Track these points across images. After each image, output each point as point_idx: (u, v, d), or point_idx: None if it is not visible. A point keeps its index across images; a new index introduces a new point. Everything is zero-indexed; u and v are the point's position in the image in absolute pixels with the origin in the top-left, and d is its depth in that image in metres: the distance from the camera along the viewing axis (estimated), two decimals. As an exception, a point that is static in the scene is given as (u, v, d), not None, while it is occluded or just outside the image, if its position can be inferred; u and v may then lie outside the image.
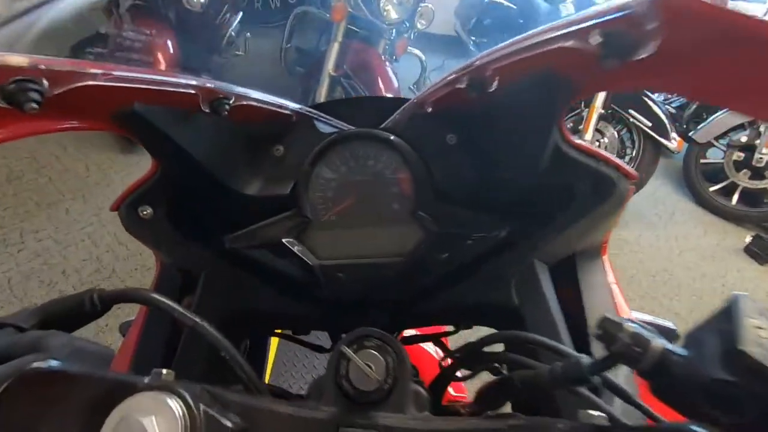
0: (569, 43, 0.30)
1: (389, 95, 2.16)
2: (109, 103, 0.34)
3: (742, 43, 0.23)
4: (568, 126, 2.88)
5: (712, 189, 3.21)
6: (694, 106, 3.49)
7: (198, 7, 2.38)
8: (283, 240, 0.47)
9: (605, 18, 0.28)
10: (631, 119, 2.71)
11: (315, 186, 0.49)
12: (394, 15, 2.40)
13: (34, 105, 0.27)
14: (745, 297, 0.24)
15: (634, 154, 2.76)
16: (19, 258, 1.96)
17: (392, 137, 0.48)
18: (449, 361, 0.49)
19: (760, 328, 0.22)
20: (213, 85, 0.39)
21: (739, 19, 0.22)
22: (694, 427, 0.23)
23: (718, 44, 0.25)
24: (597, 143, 2.82)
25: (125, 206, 0.45)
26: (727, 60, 0.25)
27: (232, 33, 2.91)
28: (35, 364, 0.26)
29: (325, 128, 0.53)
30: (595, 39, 0.29)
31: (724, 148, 3.18)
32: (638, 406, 0.30)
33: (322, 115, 0.53)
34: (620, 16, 0.27)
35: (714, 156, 3.24)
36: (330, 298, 0.49)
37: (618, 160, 0.44)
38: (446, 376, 0.48)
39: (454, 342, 0.58)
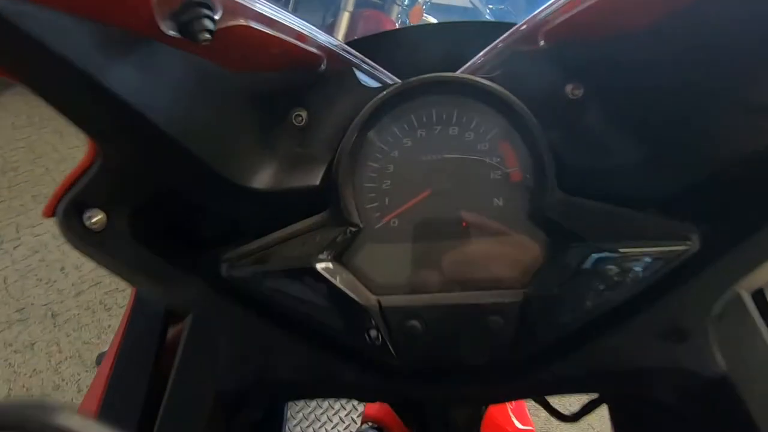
0: None
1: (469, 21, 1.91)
2: None
3: None
4: None
5: None
6: None
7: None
8: (316, 265, 0.29)
9: None
10: None
11: (364, 172, 0.31)
12: (408, -20, 2.18)
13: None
14: None
15: None
16: (15, 255, 1.84)
17: (492, 85, 0.30)
18: None
19: None
20: None
21: None
22: None
23: None
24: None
25: (62, 212, 0.28)
26: None
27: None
28: None
29: (370, 81, 0.35)
30: None
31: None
32: None
33: (366, 59, 0.35)
34: None
35: None
36: (399, 362, 0.31)
37: None
38: None
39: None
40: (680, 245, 0.27)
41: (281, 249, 0.31)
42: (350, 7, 2.22)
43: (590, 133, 0.31)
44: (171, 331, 0.38)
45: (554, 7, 0.30)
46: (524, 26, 0.31)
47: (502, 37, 0.33)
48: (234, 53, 0.26)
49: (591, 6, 0.27)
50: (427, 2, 2.43)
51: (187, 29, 0.21)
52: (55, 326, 1.66)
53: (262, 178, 0.31)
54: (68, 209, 0.29)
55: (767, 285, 0.31)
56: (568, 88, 0.32)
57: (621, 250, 0.27)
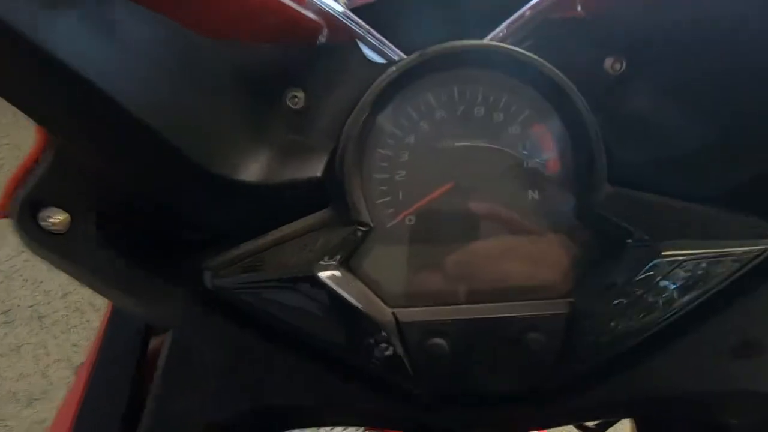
0: None
1: None
2: None
3: None
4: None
5: None
6: None
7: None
8: (318, 273, 0.24)
9: None
10: None
11: (374, 162, 0.26)
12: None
13: None
14: None
15: None
16: (0, 255, 1.78)
17: (528, 54, 0.25)
18: None
19: None
20: None
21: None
22: None
23: None
24: None
25: (17, 211, 0.24)
26: None
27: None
28: None
29: (376, 56, 0.30)
30: None
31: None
32: None
33: (372, 30, 0.30)
34: None
35: None
36: (421, 387, 0.26)
37: None
38: None
39: None
40: (756, 244, 0.23)
41: (276, 254, 0.26)
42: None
43: (637, 115, 0.27)
44: (153, 343, 0.33)
45: None
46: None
47: (531, 3, 0.28)
48: (208, 13, 0.21)
49: None
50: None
51: None
52: (42, 328, 1.61)
53: (252, 170, 0.26)
54: (23, 208, 0.24)
55: None
56: (608, 62, 0.27)
57: (689, 251, 0.23)
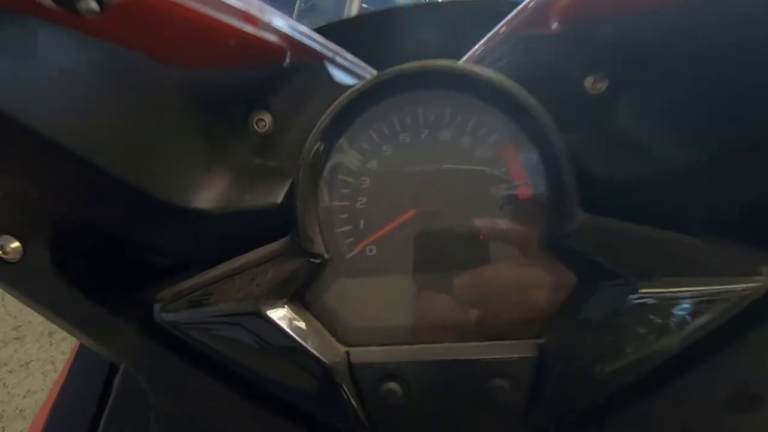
0: None
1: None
2: None
3: None
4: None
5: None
6: None
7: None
8: (264, 310, 0.23)
9: None
10: None
11: (333, 188, 0.25)
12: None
13: None
14: None
15: None
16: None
17: (496, 76, 0.23)
18: None
19: None
20: None
21: None
22: None
23: None
24: None
25: None
26: None
27: None
28: None
29: (343, 77, 0.29)
30: None
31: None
32: None
33: (342, 51, 0.29)
34: None
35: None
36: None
37: None
38: None
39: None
40: (748, 282, 0.20)
41: (225, 287, 0.24)
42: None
43: (620, 136, 0.25)
44: (115, 380, 0.32)
45: None
46: (532, 4, 0.25)
47: (506, 19, 0.27)
48: (155, 37, 0.21)
49: None
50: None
51: (74, 9, 0.15)
52: (51, 344, 1.62)
53: (210, 197, 0.25)
54: None
55: None
56: (588, 81, 0.25)
57: (668, 288, 0.21)
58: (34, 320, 1.69)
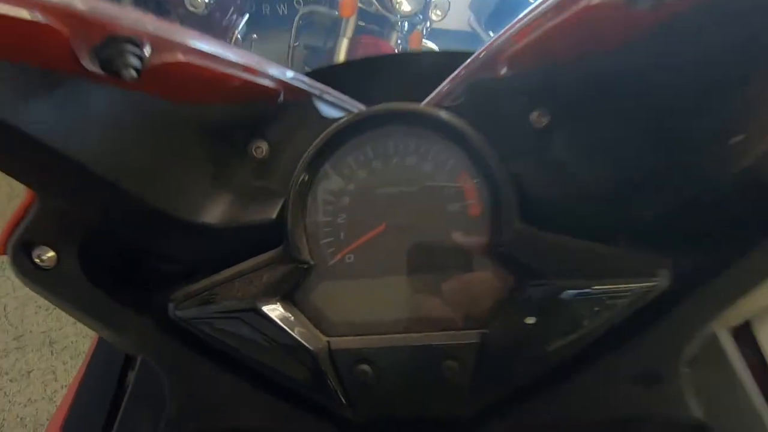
0: None
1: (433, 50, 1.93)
2: None
3: None
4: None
5: None
6: None
7: (202, 8, 2.24)
8: (260, 306, 0.28)
9: None
10: None
11: (317, 206, 0.30)
12: (406, 7, 2.25)
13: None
14: None
15: None
16: (16, 282, 1.83)
17: (447, 116, 0.29)
18: None
19: None
20: (96, 13, 0.20)
21: None
22: None
23: None
24: None
25: (12, 248, 0.28)
26: None
27: (238, 36, 2.79)
28: None
29: (330, 111, 0.34)
30: None
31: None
32: None
33: (327, 89, 0.34)
34: None
35: None
36: (351, 413, 0.29)
37: None
38: None
39: None
40: (648, 281, 0.26)
41: (227, 288, 0.29)
42: (349, 33, 2.28)
43: (558, 162, 0.30)
44: (131, 375, 0.36)
45: (514, 30, 0.29)
46: (484, 52, 0.31)
47: (463, 65, 0.33)
48: (176, 88, 0.26)
49: (553, 28, 0.26)
50: (427, 28, 2.48)
51: (111, 66, 0.20)
52: (52, 354, 1.65)
53: (216, 214, 0.30)
54: (17, 246, 0.28)
55: (755, 321, 0.29)
56: (533, 116, 0.30)
57: (584, 288, 0.26)
58: (35, 330, 1.71)
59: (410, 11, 2.25)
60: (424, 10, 2.33)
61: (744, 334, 0.29)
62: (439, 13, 2.39)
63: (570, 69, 0.28)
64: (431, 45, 2.51)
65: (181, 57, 0.23)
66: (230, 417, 0.29)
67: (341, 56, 2.22)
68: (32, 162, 0.23)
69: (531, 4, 0.28)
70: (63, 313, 1.42)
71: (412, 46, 2.45)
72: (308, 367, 0.28)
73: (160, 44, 0.22)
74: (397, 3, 2.22)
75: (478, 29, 3.89)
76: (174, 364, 0.30)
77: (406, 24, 2.37)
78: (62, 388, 1.56)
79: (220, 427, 0.29)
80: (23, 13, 0.18)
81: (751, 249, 0.25)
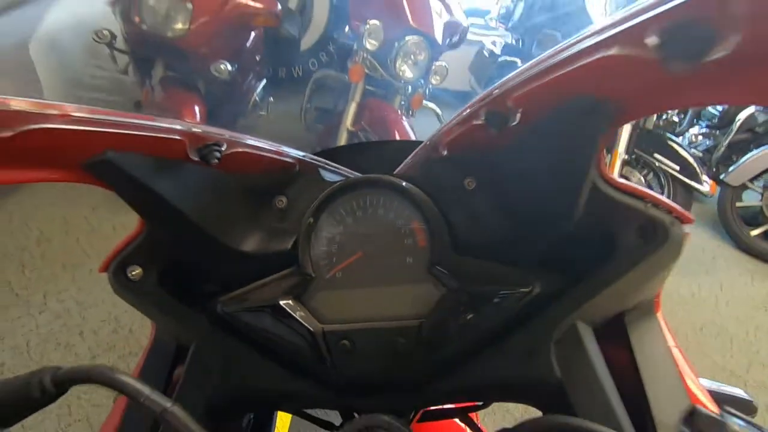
0: (614, 51, 0.26)
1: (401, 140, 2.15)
2: (77, 150, 0.31)
3: None
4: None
5: (753, 233, 3.03)
6: (723, 149, 3.40)
7: (225, 74, 2.51)
8: (280, 302, 0.42)
9: (665, 7, 0.23)
10: (657, 164, 2.63)
11: (318, 239, 0.44)
12: (409, 74, 2.49)
13: None
14: None
15: (664, 200, 2.64)
16: (39, 320, 1.97)
17: (404, 183, 0.44)
18: None
19: None
20: (201, 130, 0.36)
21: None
22: None
23: None
24: (623, 189, 2.73)
25: (113, 267, 0.42)
26: None
27: (257, 98, 3.07)
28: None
29: (330, 177, 0.49)
30: (653, 39, 0.24)
31: (760, 191, 3.04)
32: None
33: (328, 162, 0.50)
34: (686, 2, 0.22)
35: (750, 199, 3.10)
36: (336, 373, 0.42)
37: (669, 202, 0.38)
38: None
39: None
40: (528, 289, 0.39)
41: (258, 292, 0.43)
42: (358, 97, 2.52)
43: (479, 213, 0.44)
44: (178, 371, 0.49)
45: (448, 126, 0.44)
46: (431, 140, 0.46)
47: (420, 146, 0.48)
48: (236, 166, 0.41)
49: (462, 132, 0.42)
50: (429, 87, 2.72)
51: (205, 158, 0.36)
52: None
53: (251, 244, 0.45)
54: (117, 266, 0.42)
55: (632, 313, 0.42)
56: (466, 181, 0.45)
57: (489, 293, 0.39)
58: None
59: (412, 77, 2.50)
60: (424, 75, 2.57)
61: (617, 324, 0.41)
62: (438, 78, 2.63)
63: (483, 154, 0.43)
64: (432, 106, 2.76)
65: (240, 149, 0.39)
66: (253, 380, 0.42)
67: (349, 118, 2.45)
68: (155, 207, 0.38)
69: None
70: (81, 350, 1.59)
71: (414, 107, 2.69)
72: (309, 343, 0.41)
73: (230, 143, 0.38)
74: (400, 70, 2.47)
75: (478, 90, 4.21)
76: (218, 347, 0.43)
77: (409, 87, 2.62)
78: (76, 422, 1.63)
79: (248, 392, 0.42)
80: (174, 135, 0.34)
81: (591, 271, 0.39)
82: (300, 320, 0.41)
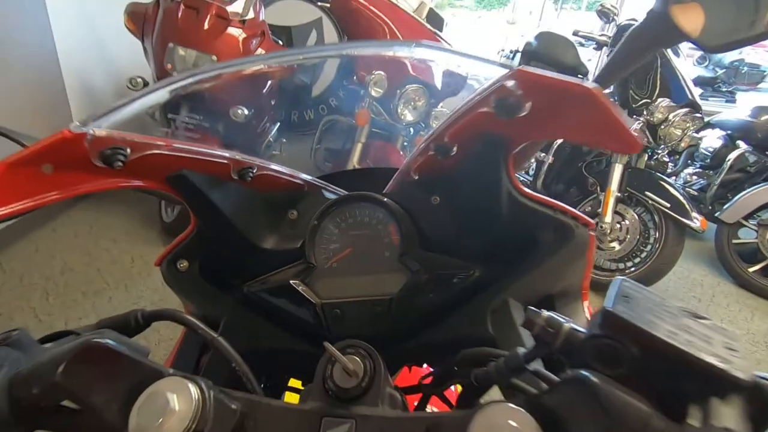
0: (484, 108, 0.42)
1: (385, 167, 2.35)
2: (165, 168, 0.46)
3: (572, 99, 0.35)
4: (586, 209, 2.94)
5: (751, 270, 3.08)
6: (715, 188, 3.51)
7: (242, 119, 2.75)
8: (291, 281, 0.56)
9: (494, 87, 0.39)
10: (650, 201, 2.75)
11: (320, 238, 0.58)
12: (409, 117, 2.71)
13: (120, 164, 0.40)
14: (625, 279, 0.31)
15: (657, 235, 2.75)
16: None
17: (384, 198, 0.58)
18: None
19: (627, 297, 0.28)
20: (240, 157, 0.51)
21: (564, 84, 0.33)
22: (585, 373, 0.27)
23: (563, 101, 0.36)
24: (618, 226, 2.85)
25: (167, 261, 0.56)
26: (571, 110, 0.36)
27: (271, 139, 3.31)
28: (96, 339, 0.34)
29: (330, 195, 0.64)
30: (490, 104, 0.40)
31: (756, 228, 3.12)
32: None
33: (329, 184, 0.64)
34: (498, 87, 0.38)
35: (747, 236, 3.17)
36: (332, 334, 0.54)
37: (575, 211, 0.52)
38: (423, 388, 0.53)
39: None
40: (471, 272, 0.53)
41: (276, 277, 0.57)
42: (363, 139, 2.74)
43: (440, 220, 0.58)
44: (203, 360, 0.61)
45: (413, 156, 0.59)
46: (405, 165, 0.61)
47: (398, 172, 0.63)
48: (262, 185, 0.57)
49: (425, 159, 0.56)
50: (430, 130, 2.93)
51: (242, 177, 0.51)
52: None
53: (270, 243, 0.59)
54: (169, 261, 0.57)
55: (560, 298, 0.55)
56: (432, 198, 0.60)
57: (442, 276, 0.53)
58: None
59: (413, 121, 2.72)
60: (425, 119, 2.79)
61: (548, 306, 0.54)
62: (437, 121, 2.84)
63: (441, 177, 0.58)
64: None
65: (266, 172, 0.55)
66: (269, 342, 0.55)
67: (356, 157, 2.65)
68: (208, 211, 0.52)
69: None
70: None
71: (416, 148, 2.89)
72: (311, 312, 0.54)
73: (260, 167, 0.54)
74: (401, 114, 2.70)
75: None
76: (245, 318, 0.56)
77: (411, 129, 2.83)
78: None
79: (262, 346, 0.55)
80: (223, 160, 0.50)
81: (518, 261, 0.52)
82: (305, 295, 0.55)
